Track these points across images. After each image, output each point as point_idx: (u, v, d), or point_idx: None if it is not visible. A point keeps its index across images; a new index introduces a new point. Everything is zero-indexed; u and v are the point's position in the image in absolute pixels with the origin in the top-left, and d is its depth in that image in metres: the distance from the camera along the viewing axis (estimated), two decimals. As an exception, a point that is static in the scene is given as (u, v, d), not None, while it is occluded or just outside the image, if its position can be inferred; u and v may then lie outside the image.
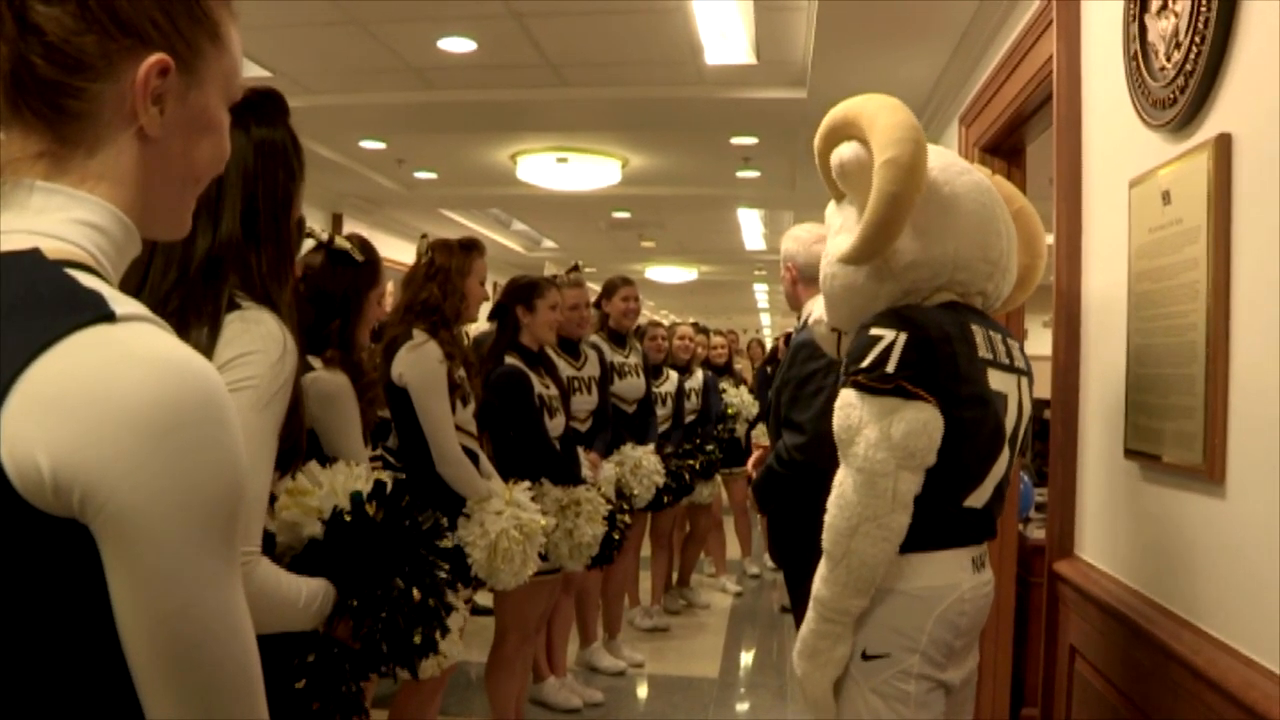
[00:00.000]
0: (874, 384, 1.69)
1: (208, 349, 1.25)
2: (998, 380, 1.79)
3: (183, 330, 1.25)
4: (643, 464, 4.19)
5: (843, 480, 1.72)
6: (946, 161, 1.87)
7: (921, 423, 1.67)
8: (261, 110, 1.43)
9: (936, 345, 1.70)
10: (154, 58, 0.75)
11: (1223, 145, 1.51)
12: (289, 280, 1.42)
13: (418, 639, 1.57)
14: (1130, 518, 1.93)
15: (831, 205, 2.01)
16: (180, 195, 0.83)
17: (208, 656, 0.68)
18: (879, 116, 1.74)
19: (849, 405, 1.72)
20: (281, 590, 1.35)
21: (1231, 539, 1.51)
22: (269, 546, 1.47)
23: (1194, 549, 1.64)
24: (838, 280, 1.89)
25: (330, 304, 2.25)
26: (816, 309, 2.20)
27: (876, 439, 1.67)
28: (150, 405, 0.65)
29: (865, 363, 1.71)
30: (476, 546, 2.67)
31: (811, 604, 1.78)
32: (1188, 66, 1.58)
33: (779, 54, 4.52)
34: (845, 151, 1.81)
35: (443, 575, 1.65)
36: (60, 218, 0.73)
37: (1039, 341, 3.72)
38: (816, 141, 1.92)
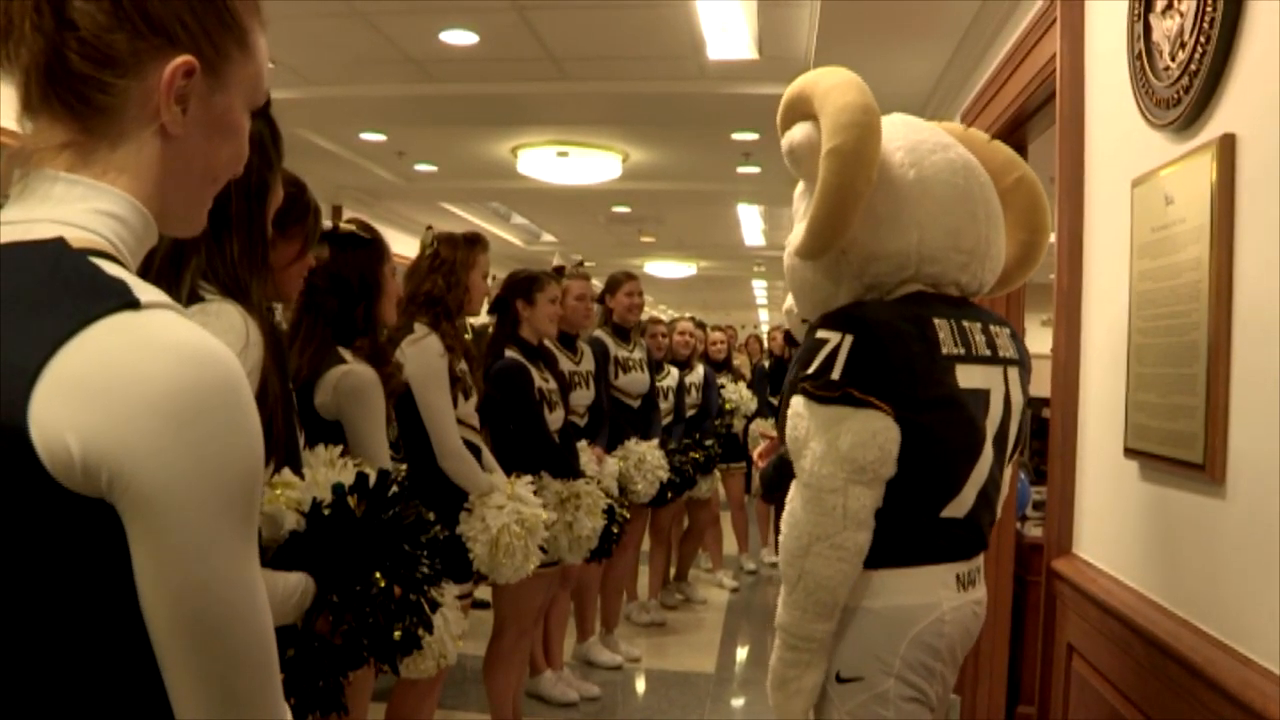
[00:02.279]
0: (820, 392, 1.58)
1: None
2: (973, 376, 1.66)
3: None
4: (647, 459, 4.20)
5: (793, 497, 1.62)
6: (916, 139, 1.73)
7: (870, 432, 1.55)
8: None
9: (888, 347, 1.58)
10: (180, 59, 0.77)
11: (1226, 146, 1.51)
12: (263, 267, 1.41)
13: (398, 635, 1.54)
14: (1129, 516, 1.93)
15: (800, 188, 1.88)
16: (198, 193, 0.86)
17: (229, 629, 0.71)
18: (829, 96, 1.59)
19: (797, 415, 1.62)
20: None
21: (1231, 539, 1.51)
22: None
23: (1193, 548, 1.64)
24: (797, 273, 1.78)
25: (350, 289, 2.25)
26: (787, 300, 2.14)
27: (823, 452, 1.56)
28: (175, 391, 0.67)
29: (811, 369, 1.60)
30: (478, 541, 2.67)
31: (776, 631, 1.69)
32: (1192, 66, 1.58)
33: (781, 50, 4.51)
34: (796, 134, 1.69)
35: (425, 570, 1.61)
36: (83, 208, 0.76)
37: (1038, 340, 3.72)
38: (777, 119, 1.79)
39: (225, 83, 0.82)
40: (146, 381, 0.67)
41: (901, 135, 1.72)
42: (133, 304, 0.69)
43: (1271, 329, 1.39)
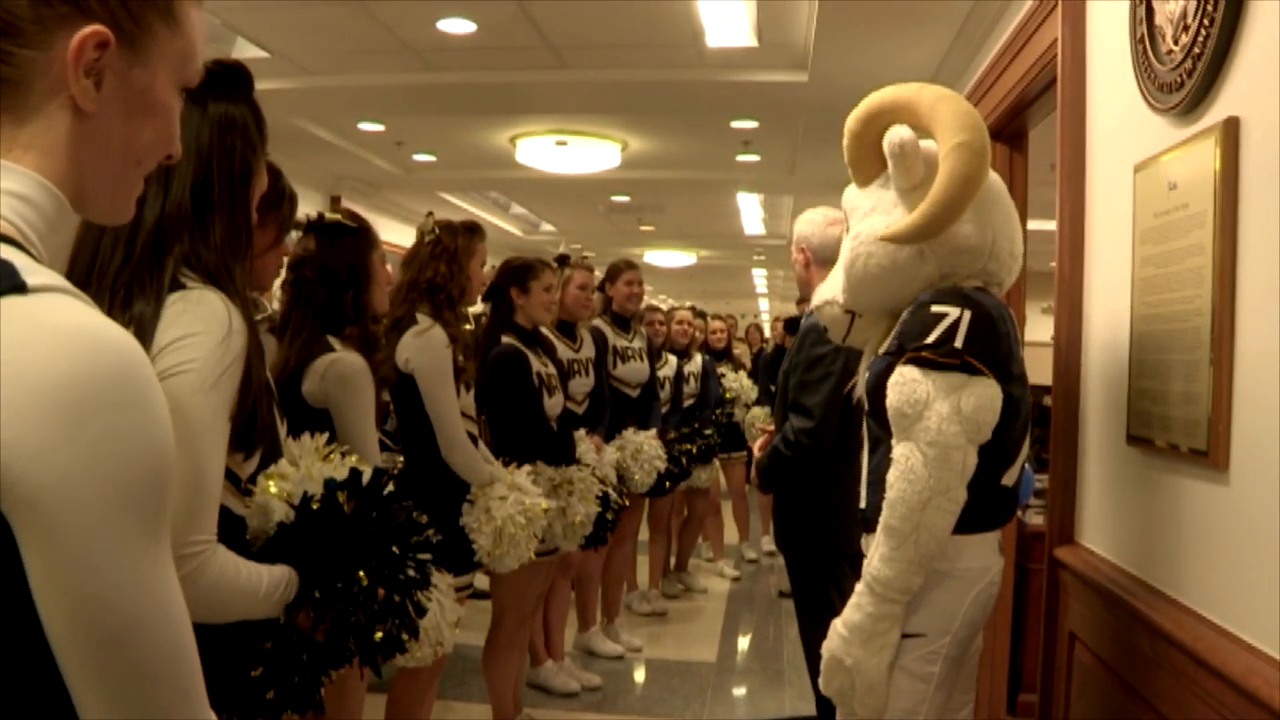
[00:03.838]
0: (941, 359, 1.71)
1: (151, 322, 1.23)
2: (1022, 361, 1.85)
3: (128, 304, 1.23)
4: (644, 449, 4.19)
5: (908, 455, 1.72)
6: None
7: (989, 398, 1.71)
8: (221, 84, 1.37)
9: (997, 324, 1.75)
10: (90, 29, 0.72)
11: (1230, 129, 1.50)
12: (247, 252, 1.39)
13: (379, 636, 1.51)
14: (1132, 504, 1.93)
15: (852, 188, 2.01)
16: (120, 176, 0.80)
17: (134, 642, 0.65)
18: (941, 104, 1.80)
19: (913, 380, 1.72)
20: (240, 580, 1.31)
21: (1234, 525, 1.51)
22: (240, 531, 1.41)
23: (1196, 535, 1.63)
24: (874, 259, 1.88)
25: (338, 278, 2.24)
26: (822, 293, 2.18)
27: (949, 413, 1.69)
28: (62, 380, 0.61)
29: (931, 338, 1.73)
30: (482, 532, 2.66)
31: (866, 588, 1.78)
32: (1195, 49, 1.57)
33: (781, 37, 4.48)
34: (905, 133, 1.83)
35: (412, 573, 1.57)
36: None
37: (1039, 327, 3.70)
38: (854, 123, 1.94)
39: (146, 57, 0.76)
40: (30, 370, 0.60)
41: None
42: (19, 287, 0.63)
43: (1275, 315, 1.38)
